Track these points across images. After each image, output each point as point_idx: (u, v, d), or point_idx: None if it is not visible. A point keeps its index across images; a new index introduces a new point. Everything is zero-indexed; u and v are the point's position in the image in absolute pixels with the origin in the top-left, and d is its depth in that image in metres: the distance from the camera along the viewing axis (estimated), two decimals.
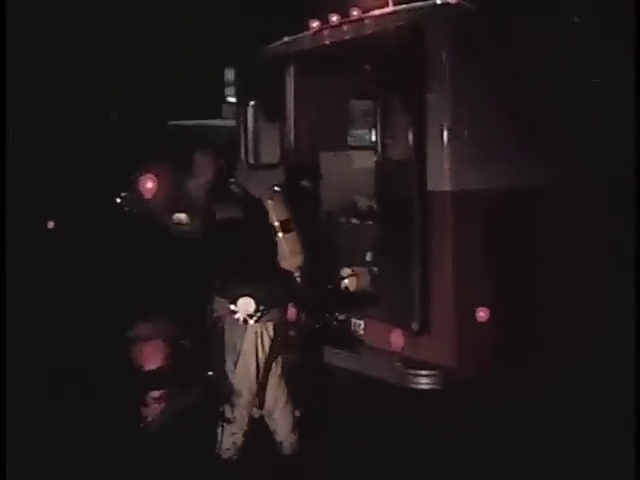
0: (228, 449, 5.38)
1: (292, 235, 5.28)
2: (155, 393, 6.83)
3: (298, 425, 5.48)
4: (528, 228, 5.85)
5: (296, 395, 5.51)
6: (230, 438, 5.40)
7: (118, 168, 17.55)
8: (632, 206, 6.28)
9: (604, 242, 6.39)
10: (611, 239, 6.40)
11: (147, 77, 21.23)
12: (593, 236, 6.29)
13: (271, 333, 5.30)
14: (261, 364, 5.34)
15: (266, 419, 5.49)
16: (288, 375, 5.46)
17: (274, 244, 5.27)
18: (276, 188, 5.40)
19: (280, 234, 5.26)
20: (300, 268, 5.33)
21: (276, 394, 5.45)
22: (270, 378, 5.42)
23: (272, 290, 5.24)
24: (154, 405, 6.56)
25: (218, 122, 15.87)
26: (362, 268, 6.63)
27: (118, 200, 15.98)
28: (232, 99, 24.28)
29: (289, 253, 5.29)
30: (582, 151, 6.33)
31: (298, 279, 5.36)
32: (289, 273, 5.34)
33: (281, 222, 5.27)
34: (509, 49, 5.77)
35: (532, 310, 5.84)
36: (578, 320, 6.13)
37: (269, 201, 5.30)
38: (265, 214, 5.28)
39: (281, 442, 5.48)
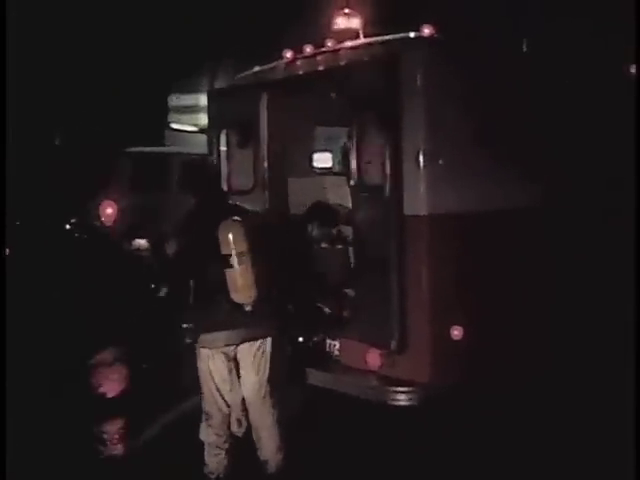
0: (213, 470, 5.48)
1: (242, 268, 5.15)
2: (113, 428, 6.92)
3: (284, 445, 5.56)
4: (502, 250, 6.12)
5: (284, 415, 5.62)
6: (214, 459, 5.50)
7: (65, 194, 17.45)
8: (611, 225, 6.62)
9: (580, 262, 6.69)
10: (588, 260, 6.72)
11: (92, 101, 21.09)
12: (568, 256, 6.59)
13: (222, 357, 5.43)
14: (221, 386, 5.46)
15: (254, 437, 5.60)
16: (275, 396, 5.56)
17: (223, 275, 5.21)
18: (235, 218, 5.28)
19: (232, 266, 5.17)
20: (253, 300, 5.28)
21: (261, 414, 5.55)
22: (251, 399, 5.54)
23: (217, 317, 5.36)
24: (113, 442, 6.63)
25: (174, 149, 15.99)
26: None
27: (68, 226, 15.90)
28: (176, 125, 24.40)
29: (239, 286, 5.21)
30: (558, 173, 6.64)
31: (248, 308, 5.32)
32: (239, 305, 5.29)
33: (234, 254, 5.15)
34: (481, 76, 6.06)
35: (505, 328, 6.08)
36: (553, 338, 6.42)
37: (224, 232, 5.19)
38: (219, 244, 5.20)
39: (266, 461, 5.54)
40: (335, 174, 7.94)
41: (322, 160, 8.08)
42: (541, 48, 7.58)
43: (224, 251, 5.16)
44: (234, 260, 5.14)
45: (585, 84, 6.98)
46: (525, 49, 7.40)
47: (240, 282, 5.18)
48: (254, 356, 5.47)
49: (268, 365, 5.50)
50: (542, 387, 6.13)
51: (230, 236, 5.15)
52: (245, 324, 5.35)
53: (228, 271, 5.17)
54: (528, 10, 12.36)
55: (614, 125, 7.02)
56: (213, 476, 5.48)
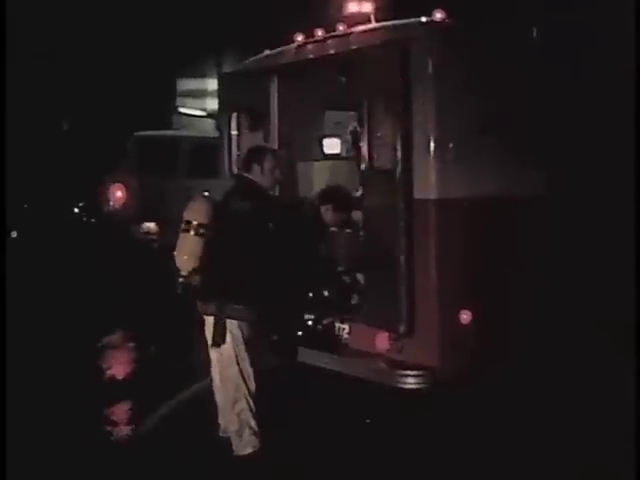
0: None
1: (187, 236, 5.54)
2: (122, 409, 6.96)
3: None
4: (510, 234, 6.16)
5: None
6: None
7: (73, 178, 17.54)
8: (616, 216, 6.65)
9: (587, 249, 6.73)
10: (594, 248, 6.76)
11: (99, 88, 21.11)
12: (576, 243, 6.63)
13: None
14: None
15: None
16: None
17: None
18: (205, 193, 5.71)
19: (188, 231, 5.54)
20: (188, 272, 5.58)
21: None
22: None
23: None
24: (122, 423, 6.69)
25: (183, 133, 16.00)
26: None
27: (76, 210, 16.01)
28: (184, 110, 24.42)
29: (177, 252, 5.59)
30: (567, 160, 6.67)
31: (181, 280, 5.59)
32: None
33: (185, 222, 5.55)
34: (492, 62, 6.09)
35: (514, 312, 6.12)
36: (561, 323, 6.45)
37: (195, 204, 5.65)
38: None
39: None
40: (344, 159, 7.94)
41: (331, 145, 8.08)
42: (551, 35, 7.58)
43: (187, 217, 5.55)
44: (192, 227, 5.50)
45: (596, 71, 6.99)
46: (535, 35, 7.41)
47: (179, 248, 5.57)
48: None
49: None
50: (549, 375, 6.17)
51: (198, 208, 5.57)
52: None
53: (183, 234, 5.54)
54: None
55: (624, 112, 7.02)
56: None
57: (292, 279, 6.04)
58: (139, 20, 20.74)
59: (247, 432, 5.52)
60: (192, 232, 5.53)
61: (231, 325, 5.46)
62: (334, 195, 6.73)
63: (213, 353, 5.61)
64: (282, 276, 5.75)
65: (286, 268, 5.80)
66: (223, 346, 5.48)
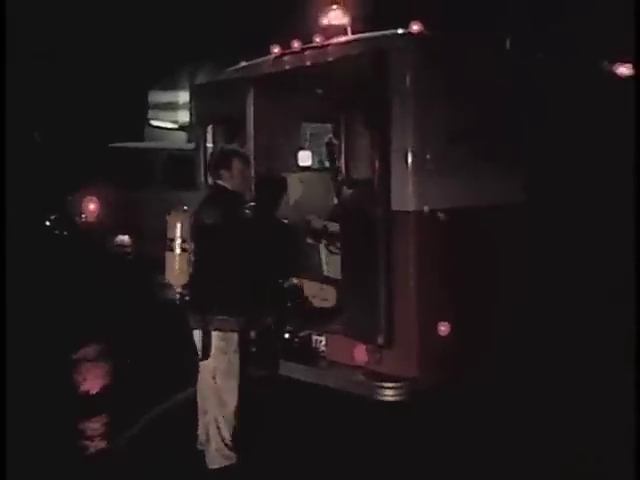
0: None
1: (172, 254, 5.53)
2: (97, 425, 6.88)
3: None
4: (489, 245, 6.17)
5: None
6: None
7: (44, 190, 17.34)
8: (597, 225, 6.68)
9: (568, 258, 6.76)
10: (575, 257, 6.79)
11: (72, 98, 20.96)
12: (556, 252, 6.67)
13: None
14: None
15: None
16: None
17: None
18: (185, 208, 5.69)
19: (173, 250, 5.54)
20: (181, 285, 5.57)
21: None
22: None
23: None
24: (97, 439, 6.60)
25: (157, 145, 15.92)
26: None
27: (48, 222, 15.79)
28: (155, 122, 24.31)
29: (167, 271, 5.60)
30: (546, 169, 6.74)
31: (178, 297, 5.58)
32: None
33: (168, 240, 5.54)
34: (469, 74, 6.11)
35: (493, 325, 6.13)
36: (541, 332, 6.47)
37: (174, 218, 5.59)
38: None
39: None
40: (319, 170, 7.94)
41: (306, 158, 8.08)
42: (527, 46, 7.65)
43: (169, 235, 5.52)
44: (175, 244, 5.49)
45: (571, 82, 7.05)
46: (508, 47, 7.48)
47: (175, 266, 5.53)
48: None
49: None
50: (529, 384, 6.19)
51: (178, 223, 5.51)
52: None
53: (168, 253, 5.52)
54: (513, 9, 12.48)
55: (604, 123, 7.11)
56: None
57: (266, 285, 6.10)
58: (111, 32, 20.64)
59: (213, 446, 5.49)
60: (177, 249, 5.52)
61: (216, 337, 5.44)
62: (310, 206, 6.72)
63: (200, 365, 5.59)
64: (258, 282, 5.73)
65: (258, 274, 5.76)
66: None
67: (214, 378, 5.47)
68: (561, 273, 6.72)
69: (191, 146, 9.03)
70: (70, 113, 21.23)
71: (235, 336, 5.51)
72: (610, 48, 7.48)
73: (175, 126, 24.97)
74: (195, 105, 7.62)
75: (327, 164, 8.01)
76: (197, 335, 5.52)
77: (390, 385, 5.88)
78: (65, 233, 15.33)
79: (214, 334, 5.43)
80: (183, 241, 5.50)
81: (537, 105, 6.70)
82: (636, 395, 5.12)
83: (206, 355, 5.44)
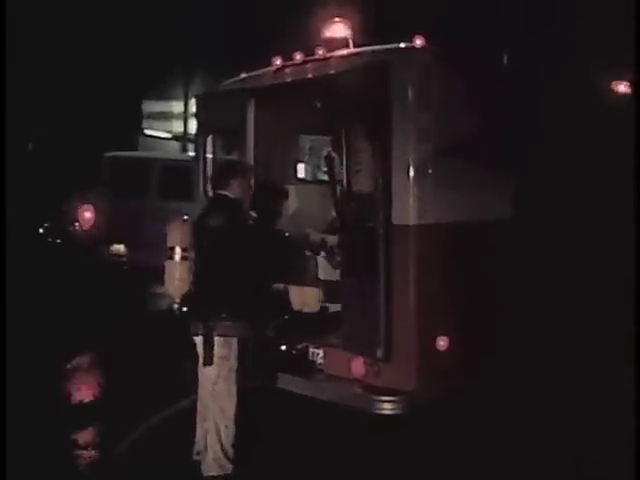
0: None
1: (172, 263, 5.62)
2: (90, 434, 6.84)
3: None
4: (489, 260, 6.18)
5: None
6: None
7: (37, 198, 17.30)
8: (595, 239, 6.70)
9: (567, 273, 6.78)
10: (574, 272, 6.81)
11: (67, 107, 20.92)
12: (556, 267, 6.68)
13: None
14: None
15: None
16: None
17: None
18: (185, 217, 5.77)
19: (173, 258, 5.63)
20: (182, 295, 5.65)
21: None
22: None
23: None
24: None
25: (153, 154, 15.93)
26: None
27: (41, 230, 15.79)
28: (150, 132, 24.32)
29: (166, 280, 5.68)
30: (547, 184, 6.74)
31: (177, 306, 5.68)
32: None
33: (168, 249, 5.62)
34: (471, 87, 6.12)
35: (492, 339, 6.14)
36: (539, 345, 6.47)
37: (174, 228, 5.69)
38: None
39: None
40: (318, 183, 7.94)
41: (302, 170, 8.09)
42: (526, 60, 7.69)
43: (169, 243, 5.61)
44: (176, 253, 5.58)
45: (569, 94, 7.08)
46: (506, 62, 7.51)
47: (176, 275, 5.60)
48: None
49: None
50: (528, 396, 6.19)
51: (178, 232, 5.61)
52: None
53: (168, 262, 5.60)
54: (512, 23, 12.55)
55: (602, 135, 7.14)
56: None
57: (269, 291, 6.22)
58: (105, 41, 20.62)
59: (210, 455, 5.48)
60: (177, 258, 5.60)
61: (218, 343, 5.44)
62: (308, 219, 6.72)
63: (199, 372, 5.58)
64: (261, 287, 5.83)
65: (261, 279, 5.85)
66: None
67: (215, 384, 5.47)
68: (561, 287, 6.73)
69: (185, 156, 9.05)
70: (65, 122, 21.17)
71: (236, 343, 5.51)
72: (609, 55, 7.49)
73: (169, 136, 25.02)
74: (196, 115, 7.59)
75: (326, 177, 8.00)
76: (198, 342, 5.51)
77: (388, 398, 5.86)
78: (58, 241, 15.32)
79: (217, 340, 5.43)
80: (184, 249, 5.57)
81: (538, 117, 6.72)
82: (636, 397, 5.12)
83: (208, 362, 5.43)
